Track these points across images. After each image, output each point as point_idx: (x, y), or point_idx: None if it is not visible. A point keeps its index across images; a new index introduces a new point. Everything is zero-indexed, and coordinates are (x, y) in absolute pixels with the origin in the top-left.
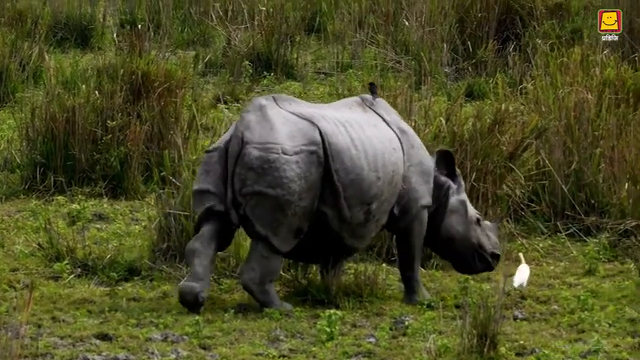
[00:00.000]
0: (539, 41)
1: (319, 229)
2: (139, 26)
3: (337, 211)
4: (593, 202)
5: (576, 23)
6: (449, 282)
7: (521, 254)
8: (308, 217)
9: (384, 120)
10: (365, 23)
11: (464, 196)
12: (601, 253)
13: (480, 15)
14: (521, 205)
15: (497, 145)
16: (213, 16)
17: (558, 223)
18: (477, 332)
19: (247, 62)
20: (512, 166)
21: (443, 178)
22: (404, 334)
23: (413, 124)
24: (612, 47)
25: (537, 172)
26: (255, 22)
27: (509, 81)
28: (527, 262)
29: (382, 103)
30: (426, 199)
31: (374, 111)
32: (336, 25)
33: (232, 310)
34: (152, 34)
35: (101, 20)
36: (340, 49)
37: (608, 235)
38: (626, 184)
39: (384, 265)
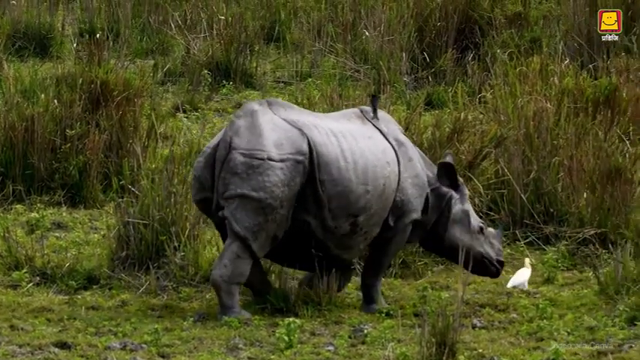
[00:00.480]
0: (498, 50)
1: (304, 237)
2: (98, 35)
3: (320, 221)
4: (551, 210)
5: (535, 32)
6: (408, 290)
7: (527, 259)
8: (284, 226)
9: (381, 132)
10: (324, 32)
11: (467, 205)
12: (560, 261)
13: (439, 24)
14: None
15: (457, 154)
16: (172, 25)
17: (517, 232)
18: (435, 341)
19: (206, 71)
20: (471, 176)
21: (444, 189)
22: (363, 343)
23: None
24: (571, 57)
25: (496, 181)
26: (214, 32)
27: (469, 90)
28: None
29: (383, 115)
30: (418, 213)
31: (372, 123)
32: (295, 35)
33: (191, 319)
34: (111, 43)
35: (60, 29)
36: (299, 58)
37: (566, 243)
38: (585, 193)
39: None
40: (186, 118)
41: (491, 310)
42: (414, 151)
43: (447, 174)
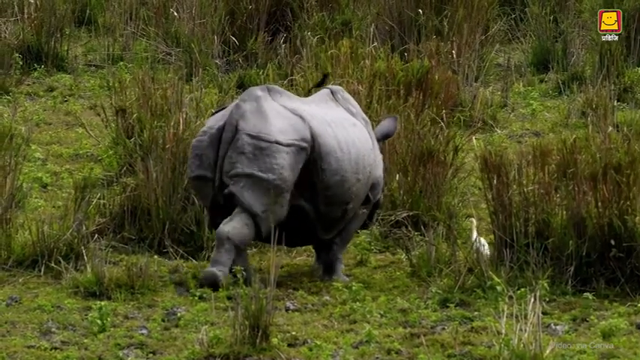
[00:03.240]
0: (309, 33)
1: (295, 220)
2: None
3: (314, 207)
4: None
5: (346, 15)
6: None
7: (473, 219)
8: (286, 209)
9: (351, 112)
10: (136, 16)
11: None
12: (372, 244)
13: (250, 7)
14: None
15: None
16: None
17: None
18: (249, 323)
19: (17, 55)
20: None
21: None
22: (176, 326)
23: (184, 116)
24: (383, 40)
25: None
26: (25, 15)
27: (280, 72)
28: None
29: (344, 94)
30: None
31: (341, 105)
32: (107, 18)
33: (4, 303)
34: None
35: None
36: (111, 41)
37: (379, 226)
38: (397, 176)
39: (155, 256)
40: None
41: (304, 293)
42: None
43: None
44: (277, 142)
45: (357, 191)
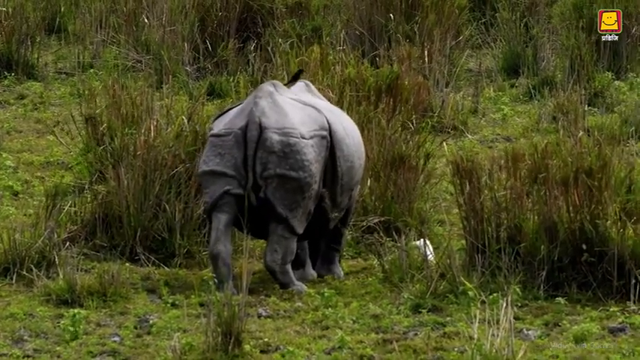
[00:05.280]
0: (280, 40)
1: (315, 212)
2: None
3: (333, 196)
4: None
5: (316, 22)
6: (193, 280)
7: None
8: (314, 201)
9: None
10: (106, 23)
11: None
12: (344, 250)
13: (220, 14)
14: None
15: None
16: None
17: None
18: (221, 330)
19: None
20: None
21: None
22: (148, 333)
23: (155, 123)
24: (353, 45)
25: None
26: None
27: (251, 79)
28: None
29: (314, 88)
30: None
31: (317, 97)
32: (77, 25)
33: None
34: None
35: None
36: (81, 49)
37: (351, 231)
38: (369, 181)
39: (127, 264)
40: None
41: (276, 299)
42: None
43: None
44: (303, 137)
45: (359, 178)
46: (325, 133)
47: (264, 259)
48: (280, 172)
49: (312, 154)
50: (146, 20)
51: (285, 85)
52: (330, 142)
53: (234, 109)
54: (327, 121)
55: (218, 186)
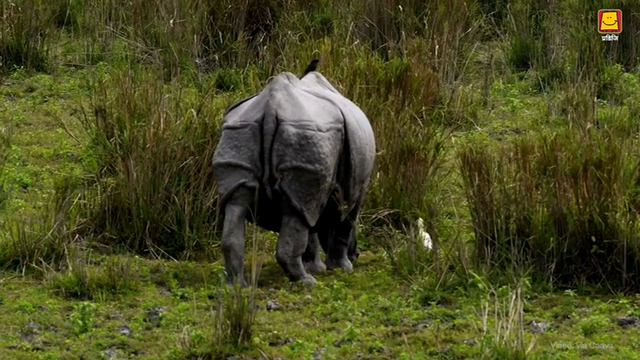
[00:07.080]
0: (289, 32)
1: (329, 206)
2: None
3: (346, 189)
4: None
5: (326, 14)
6: (202, 272)
7: (420, 220)
8: (328, 194)
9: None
10: (115, 15)
11: None
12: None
13: (230, 6)
14: None
15: None
16: None
17: None
18: (230, 323)
19: None
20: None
21: None
22: (158, 326)
23: (164, 115)
24: (362, 38)
25: None
26: (5, 16)
27: (260, 72)
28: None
29: (324, 79)
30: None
31: (328, 88)
32: (87, 18)
33: None
34: None
35: None
36: (90, 41)
37: (360, 224)
38: (378, 174)
39: (136, 256)
40: None
41: (285, 292)
42: None
43: None
44: (319, 130)
45: (369, 170)
46: (340, 125)
47: (276, 250)
48: (297, 164)
49: (328, 146)
50: (156, 12)
51: (302, 76)
52: (344, 135)
53: (249, 102)
54: (342, 114)
55: (233, 178)
